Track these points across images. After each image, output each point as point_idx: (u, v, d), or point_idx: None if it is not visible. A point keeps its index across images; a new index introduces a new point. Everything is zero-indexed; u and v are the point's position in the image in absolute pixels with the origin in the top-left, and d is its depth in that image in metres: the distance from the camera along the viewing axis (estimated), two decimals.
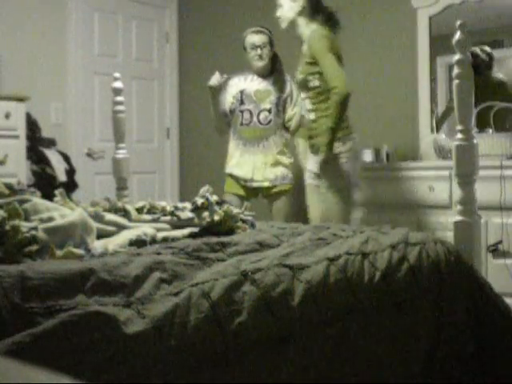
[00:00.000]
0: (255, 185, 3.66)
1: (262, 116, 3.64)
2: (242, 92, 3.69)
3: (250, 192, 3.70)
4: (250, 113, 3.65)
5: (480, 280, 2.07)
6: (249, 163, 3.63)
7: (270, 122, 3.64)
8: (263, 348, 1.42)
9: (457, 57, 2.21)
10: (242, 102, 3.67)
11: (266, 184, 3.64)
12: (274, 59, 3.76)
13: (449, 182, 3.61)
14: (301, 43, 3.32)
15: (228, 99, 3.73)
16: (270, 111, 3.66)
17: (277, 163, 3.65)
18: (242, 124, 3.66)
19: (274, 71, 3.75)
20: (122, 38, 5.04)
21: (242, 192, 3.67)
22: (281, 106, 3.69)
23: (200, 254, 1.69)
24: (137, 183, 5.02)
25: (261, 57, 3.66)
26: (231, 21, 5.17)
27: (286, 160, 3.68)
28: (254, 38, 3.69)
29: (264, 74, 3.72)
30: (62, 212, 1.81)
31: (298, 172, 3.68)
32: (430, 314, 1.88)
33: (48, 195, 2.08)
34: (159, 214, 2.14)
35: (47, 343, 1.14)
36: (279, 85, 3.71)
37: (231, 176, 3.70)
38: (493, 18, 4.00)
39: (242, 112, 3.67)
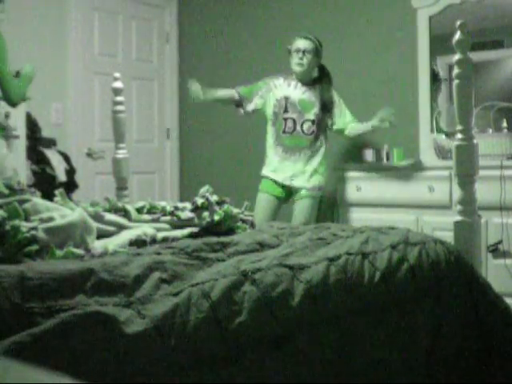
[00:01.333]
0: (294, 186, 3.72)
1: (305, 126, 3.70)
2: (286, 99, 3.72)
3: (287, 193, 3.77)
4: (294, 121, 3.69)
5: (480, 280, 2.07)
6: (288, 170, 3.71)
7: (312, 132, 3.70)
8: (263, 348, 1.42)
9: (457, 57, 2.21)
10: (286, 110, 3.71)
11: (304, 192, 3.71)
12: (321, 70, 3.80)
13: (449, 182, 3.60)
14: None
15: (272, 100, 3.76)
16: (313, 122, 3.71)
17: (315, 172, 3.72)
18: (284, 132, 3.71)
19: (319, 82, 3.78)
20: (122, 38, 5.04)
21: (278, 193, 3.74)
22: (324, 117, 3.74)
23: (200, 254, 1.70)
24: (137, 183, 5.02)
25: (301, 61, 3.69)
26: (231, 21, 5.18)
27: (324, 170, 3.76)
28: (299, 43, 3.72)
29: (304, 81, 3.75)
30: (61, 212, 1.81)
31: None
32: (430, 314, 1.88)
33: (48, 195, 2.08)
34: (159, 214, 2.14)
35: (47, 343, 1.14)
36: (324, 96, 3.74)
37: (268, 178, 3.77)
38: (493, 17, 4.00)
39: (285, 120, 3.71)
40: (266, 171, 3.79)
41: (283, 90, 3.75)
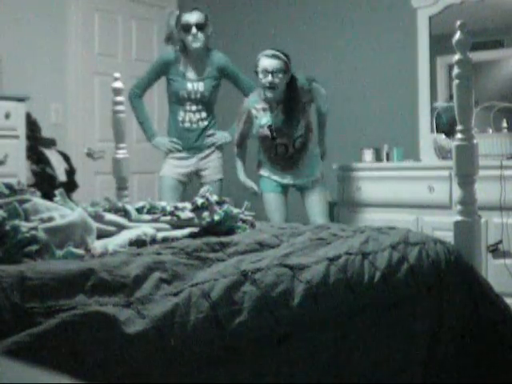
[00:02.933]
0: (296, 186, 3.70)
1: (297, 144, 3.57)
2: (270, 127, 3.52)
3: (288, 186, 3.72)
4: (285, 146, 3.56)
5: (480, 280, 2.07)
6: (286, 178, 3.64)
7: (303, 143, 3.57)
8: (263, 348, 1.42)
9: (457, 57, 2.21)
10: (273, 137, 3.54)
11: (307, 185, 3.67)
12: (291, 84, 3.49)
13: (449, 182, 3.60)
14: None
15: (255, 125, 3.58)
16: (302, 136, 3.56)
17: (313, 170, 3.65)
18: (276, 154, 3.59)
19: (290, 97, 3.50)
20: (122, 38, 5.04)
21: (280, 189, 3.67)
22: (308, 118, 3.58)
23: (200, 254, 1.70)
24: (137, 183, 5.02)
25: (272, 84, 3.40)
26: (231, 21, 5.18)
27: (320, 164, 3.69)
28: (265, 63, 3.41)
29: (279, 102, 3.49)
30: (61, 212, 1.81)
31: None
32: (430, 314, 1.88)
33: (48, 195, 2.08)
34: (159, 214, 2.14)
35: (47, 343, 1.14)
36: (301, 112, 3.54)
37: (267, 177, 3.69)
38: (493, 17, 4.00)
39: (276, 145, 3.57)
40: (263, 172, 3.69)
41: (266, 117, 3.54)
